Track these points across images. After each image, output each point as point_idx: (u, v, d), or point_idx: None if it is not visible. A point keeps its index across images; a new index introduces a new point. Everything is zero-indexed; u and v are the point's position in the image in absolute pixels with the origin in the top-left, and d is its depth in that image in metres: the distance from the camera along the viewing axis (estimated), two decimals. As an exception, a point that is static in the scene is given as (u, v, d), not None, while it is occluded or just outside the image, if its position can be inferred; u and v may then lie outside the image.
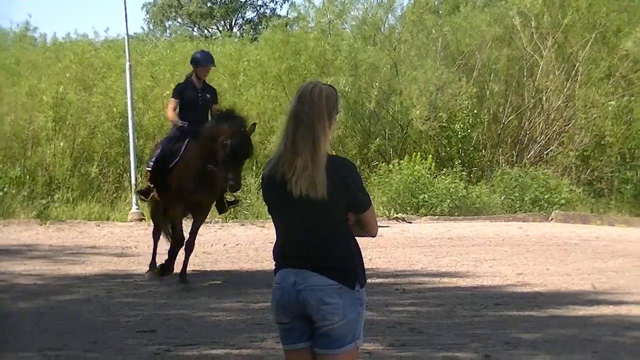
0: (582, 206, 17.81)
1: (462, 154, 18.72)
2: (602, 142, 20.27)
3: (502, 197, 17.49)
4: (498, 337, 6.61)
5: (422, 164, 16.90)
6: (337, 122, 3.46)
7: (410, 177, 16.48)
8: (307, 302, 3.21)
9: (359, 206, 3.30)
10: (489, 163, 19.79)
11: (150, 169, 8.71)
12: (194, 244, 8.70)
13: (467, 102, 18.88)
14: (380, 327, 6.83)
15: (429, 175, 16.85)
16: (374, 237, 3.63)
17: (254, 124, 8.68)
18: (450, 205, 16.48)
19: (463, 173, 17.47)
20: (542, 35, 20.36)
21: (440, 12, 22.33)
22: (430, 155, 17.61)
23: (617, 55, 19.81)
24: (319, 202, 3.18)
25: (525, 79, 20.85)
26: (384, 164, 17.29)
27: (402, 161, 16.84)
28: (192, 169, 8.41)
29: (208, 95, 8.88)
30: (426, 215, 16.41)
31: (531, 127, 20.27)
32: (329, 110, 3.24)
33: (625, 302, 8.11)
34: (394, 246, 12.20)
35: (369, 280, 3.59)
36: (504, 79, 20.79)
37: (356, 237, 3.42)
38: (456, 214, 16.44)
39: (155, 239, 9.22)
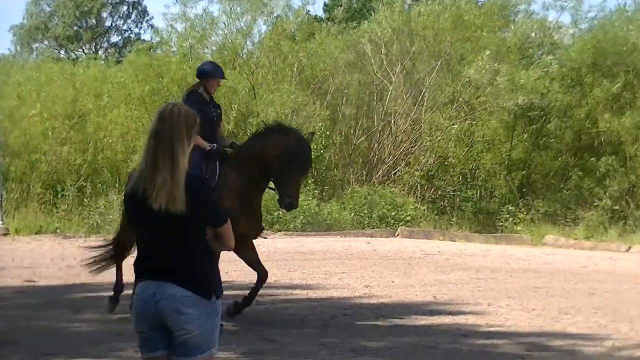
0: (426, 222, 19.11)
1: (315, 173, 19.53)
2: (446, 163, 21.83)
3: (352, 214, 18.63)
4: (345, 345, 6.94)
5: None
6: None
7: (265, 195, 17.21)
8: (165, 312, 3.36)
9: (215, 221, 3.49)
10: (340, 182, 21.10)
11: None
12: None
13: (320, 124, 19.88)
14: (234, 337, 7.07)
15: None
16: (231, 250, 3.94)
17: (313, 133, 8.43)
18: (303, 221, 17.57)
19: (316, 191, 18.42)
20: (392, 62, 21.83)
21: (296, 38, 23.27)
22: (285, 174, 18.46)
23: (461, 82, 21.60)
24: (178, 217, 3.34)
25: (375, 102, 22.17)
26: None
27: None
28: (241, 195, 7.67)
29: (218, 111, 8.11)
30: (280, 230, 17.28)
31: (380, 148, 21.57)
32: (187, 129, 3.40)
33: (463, 312, 8.73)
34: (249, 260, 12.74)
35: (224, 292, 3.82)
36: (355, 103, 22.16)
37: (215, 250, 3.65)
38: (308, 229, 17.42)
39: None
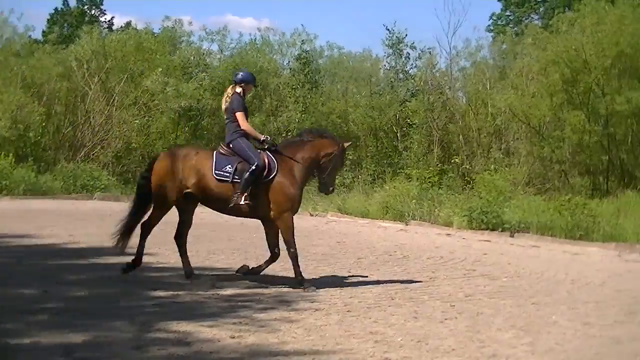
0: (115, 189, 22.43)
1: (35, 154, 23.82)
2: (130, 147, 26.24)
3: (62, 183, 21.81)
4: (53, 278, 8.22)
5: (5, 160, 20.80)
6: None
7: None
8: None
9: None
10: (52, 160, 24.56)
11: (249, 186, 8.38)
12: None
13: (38, 117, 23.64)
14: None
15: (10, 167, 20.76)
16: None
17: (354, 140, 10.56)
18: (24, 188, 20.75)
19: (34, 166, 21.91)
20: (91, 74, 26.10)
21: (21, 54, 26.87)
22: (12, 154, 21.74)
23: (141, 90, 26.05)
24: None
25: (79, 103, 26.25)
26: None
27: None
28: (301, 183, 8.70)
29: None
30: (7, 195, 20.20)
31: (82, 136, 25.63)
32: None
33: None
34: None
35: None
36: (64, 103, 26.13)
37: None
38: (29, 194, 20.58)
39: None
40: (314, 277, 9.42)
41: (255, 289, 8.43)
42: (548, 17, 30.07)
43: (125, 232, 8.84)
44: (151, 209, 8.87)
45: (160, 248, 10.58)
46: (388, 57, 26.78)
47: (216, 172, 8.55)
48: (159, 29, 29.64)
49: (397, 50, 26.33)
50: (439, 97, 25.07)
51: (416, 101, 25.19)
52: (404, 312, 7.44)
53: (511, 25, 37.19)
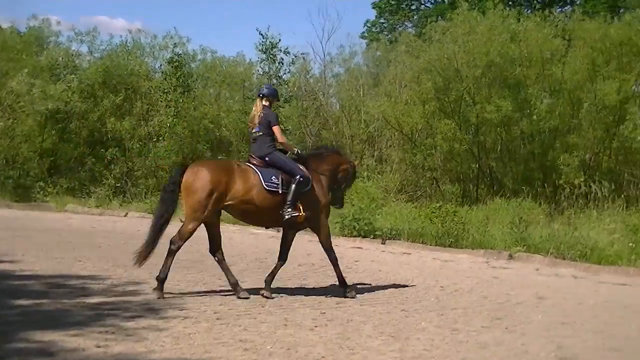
0: None
1: None
2: None
3: None
4: None
5: None
6: None
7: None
8: None
9: None
10: None
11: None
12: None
13: None
14: None
15: None
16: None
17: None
18: None
19: None
20: None
21: None
22: None
23: (5, 91, 24.36)
24: None
25: None
26: None
27: None
28: (326, 189, 9.34)
29: None
30: None
31: None
32: None
33: (2, 261, 9.87)
34: None
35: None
36: None
37: None
38: None
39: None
40: (183, 284, 9.32)
41: (123, 296, 8.26)
42: (422, 26, 30.85)
43: (150, 247, 8.63)
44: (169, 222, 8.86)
45: (24, 255, 10.31)
46: (261, 62, 26.56)
47: (266, 183, 8.79)
48: (25, 29, 28.32)
49: (271, 56, 26.17)
50: (313, 103, 25.23)
51: (290, 107, 25.22)
52: (274, 320, 7.44)
53: (385, 33, 37.91)
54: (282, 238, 9.38)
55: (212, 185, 8.55)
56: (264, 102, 9.29)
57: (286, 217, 8.80)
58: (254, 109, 9.42)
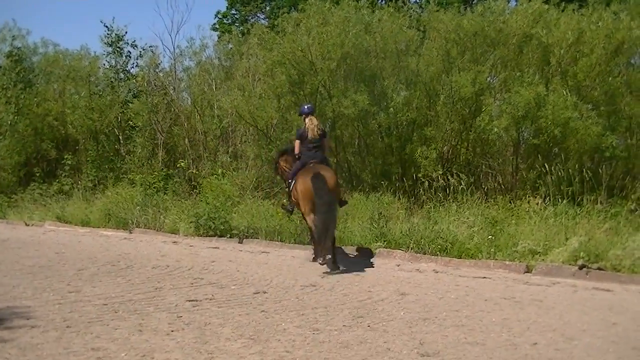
0: None
1: None
2: None
3: None
4: None
5: None
6: None
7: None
8: None
9: None
10: None
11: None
12: None
13: None
14: None
15: None
16: None
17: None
18: None
19: None
20: None
21: None
22: None
23: None
24: None
25: None
26: None
27: None
28: None
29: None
30: None
31: None
32: None
33: None
34: None
35: None
36: None
37: None
38: None
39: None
40: (29, 291, 9.05)
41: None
42: (274, 17, 31.03)
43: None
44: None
45: None
46: (107, 55, 26.28)
47: None
48: None
49: (117, 49, 25.90)
50: (163, 98, 24.93)
51: (139, 102, 24.89)
52: (128, 326, 7.34)
53: (237, 24, 37.89)
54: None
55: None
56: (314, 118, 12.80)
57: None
58: (309, 122, 12.63)
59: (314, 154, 12.42)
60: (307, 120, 12.65)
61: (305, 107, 12.90)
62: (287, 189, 13.26)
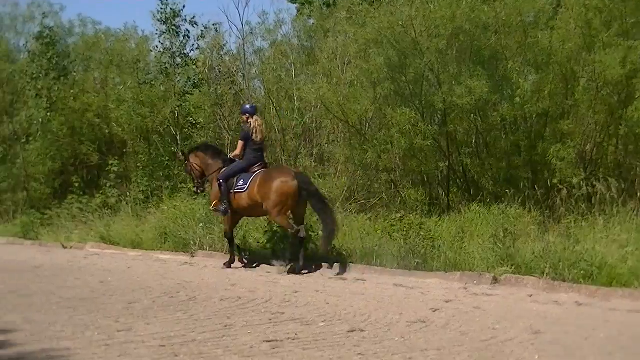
0: None
1: None
2: None
3: None
4: None
5: None
6: None
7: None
8: None
9: None
10: None
11: None
12: None
13: None
14: None
15: None
16: None
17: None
18: None
19: None
20: None
21: None
22: None
23: None
24: None
25: None
26: None
27: None
28: None
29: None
30: None
31: None
32: None
33: None
34: None
35: None
36: None
37: None
38: None
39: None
40: (68, 329, 9.07)
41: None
42: (367, -15, 30.89)
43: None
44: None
45: None
46: (160, 35, 26.29)
47: None
48: None
49: (173, 27, 25.95)
50: (230, 88, 25.08)
51: (200, 93, 25.03)
52: None
53: (321, -6, 37.92)
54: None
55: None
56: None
57: None
58: (254, 122, 15.05)
59: (260, 156, 15.35)
60: (251, 120, 15.05)
61: (248, 106, 15.48)
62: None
